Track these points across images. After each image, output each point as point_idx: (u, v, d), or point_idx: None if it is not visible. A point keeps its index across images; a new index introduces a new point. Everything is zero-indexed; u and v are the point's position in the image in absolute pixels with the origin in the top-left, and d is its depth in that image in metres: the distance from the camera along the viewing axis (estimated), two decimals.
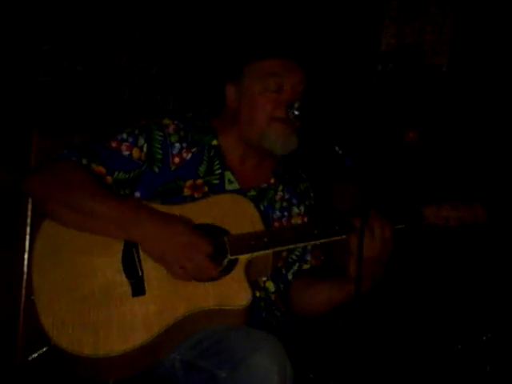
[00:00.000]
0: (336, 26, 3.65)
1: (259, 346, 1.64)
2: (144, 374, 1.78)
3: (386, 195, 1.93)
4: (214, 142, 2.04)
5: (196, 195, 1.96)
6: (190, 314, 1.74)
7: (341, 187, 3.25)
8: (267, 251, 1.87)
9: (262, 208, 2.04)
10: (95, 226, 1.79)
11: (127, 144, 1.94)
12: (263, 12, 3.27)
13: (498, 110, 3.52)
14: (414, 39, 3.67)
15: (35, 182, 1.86)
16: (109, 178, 1.91)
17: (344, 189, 3.20)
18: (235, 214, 1.89)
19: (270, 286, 2.05)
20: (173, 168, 1.97)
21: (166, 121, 2.01)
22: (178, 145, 1.99)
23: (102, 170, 1.90)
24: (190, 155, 2.00)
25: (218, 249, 1.82)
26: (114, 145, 1.93)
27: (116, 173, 1.91)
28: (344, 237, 1.90)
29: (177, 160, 1.98)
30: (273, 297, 2.05)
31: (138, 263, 1.80)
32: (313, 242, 1.95)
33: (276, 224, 2.06)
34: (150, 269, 1.79)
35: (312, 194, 2.23)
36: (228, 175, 2.02)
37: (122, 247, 1.81)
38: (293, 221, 2.12)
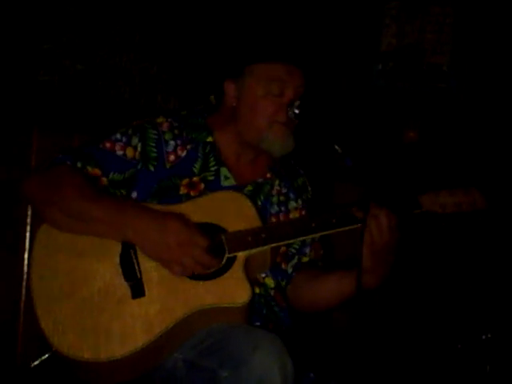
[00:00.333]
0: (336, 25, 3.64)
1: (260, 344, 1.64)
2: (146, 376, 1.77)
3: (385, 193, 1.92)
4: (209, 139, 2.04)
5: (192, 193, 1.96)
6: (191, 314, 1.74)
7: (341, 187, 3.25)
8: (265, 247, 1.87)
9: (259, 203, 2.04)
10: (88, 229, 1.79)
11: (121, 144, 1.94)
12: (266, 14, 3.27)
13: (498, 109, 3.51)
14: (415, 38, 3.67)
15: (30, 187, 1.87)
16: (104, 180, 1.91)
17: (344, 189, 3.19)
18: (232, 212, 1.89)
19: (270, 282, 2.04)
20: (168, 166, 1.97)
21: (160, 119, 2.02)
22: (172, 142, 1.99)
23: (97, 171, 1.90)
24: (184, 152, 2.00)
25: (216, 247, 1.81)
26: (108, 145, 1.94)
27: (111, 174, 1.91)
28: (344, 229, 1.89)
29: (172, 157, 1.98)
30: (272, 293, 2.04)
31: (136, 265, 1.79)
32: (311, 236, 1.94)
33: (273, 219, 2.06)
34: (149, 269, 1.79)
35: (310, 188, 2.22)
36: (224, 171, 2.02)
37: (119, 249, 1.80)
38: (291, 215, 2.11)
